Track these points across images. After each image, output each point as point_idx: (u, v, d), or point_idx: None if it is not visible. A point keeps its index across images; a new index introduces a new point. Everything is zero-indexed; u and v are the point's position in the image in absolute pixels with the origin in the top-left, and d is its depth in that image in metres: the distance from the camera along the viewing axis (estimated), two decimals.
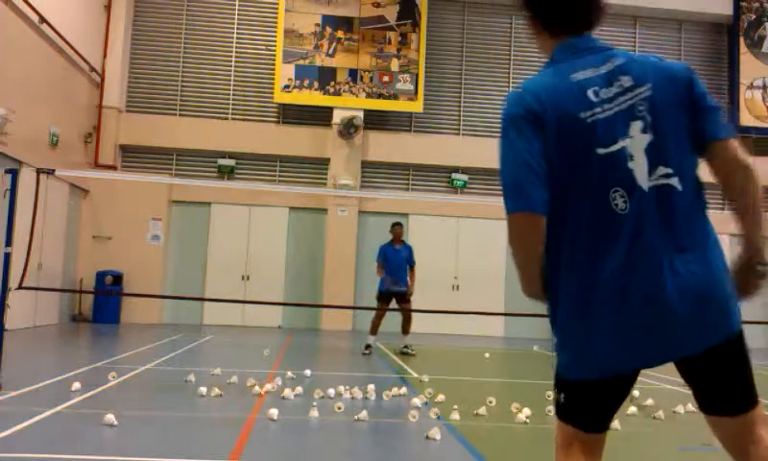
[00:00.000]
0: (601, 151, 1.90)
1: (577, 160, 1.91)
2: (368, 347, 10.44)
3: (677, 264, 1.87)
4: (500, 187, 1.97)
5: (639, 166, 1.90)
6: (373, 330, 10.57)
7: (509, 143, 1.94)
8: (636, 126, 1.92)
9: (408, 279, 10.67)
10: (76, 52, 13.89)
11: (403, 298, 10.62)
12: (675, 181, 1.91)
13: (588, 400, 1.98)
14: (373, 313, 10.81)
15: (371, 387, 6.51)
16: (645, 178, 1.90)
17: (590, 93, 1.93)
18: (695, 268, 1.88)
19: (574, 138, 1.90)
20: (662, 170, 1.91)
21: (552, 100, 1.93)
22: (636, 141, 1.91)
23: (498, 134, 1.99)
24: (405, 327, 10.69)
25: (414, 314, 10.63)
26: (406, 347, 10.60)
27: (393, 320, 11.20)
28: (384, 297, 10.61)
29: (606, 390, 1.97)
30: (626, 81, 1.95)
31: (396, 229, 10.92)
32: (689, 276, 1.87)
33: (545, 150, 1.90)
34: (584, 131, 1.90)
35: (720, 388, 1.96)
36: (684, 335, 1.88)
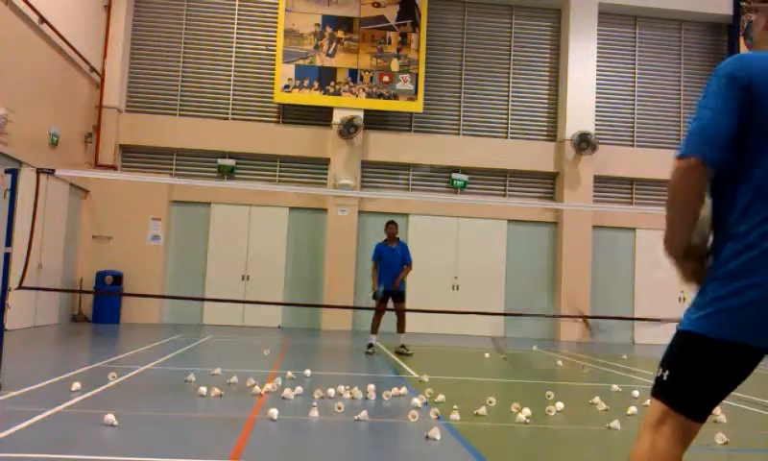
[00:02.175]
0: None
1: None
2: (370, 346, 10.46)
3: None
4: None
5: None
6: (374, 330, 10.60)
7: (716, 95, 2.03)
8: None
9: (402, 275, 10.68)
10: (76, 52, 13.90)
11: (399, 297, 10.64)
12: None
13: (706, 369, 1.95)
14: (373, 313, 10.82)
15: (371, 387, 6.51)
16: None
17: None
18: None
19: None
20: None
21: (764, 73, 2.03)
22: None
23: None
24: (400, 327, 10.71)
25: (414, 314, 10.65)
26: (403, 346, 10.61)
27: (392, 319, 11.19)
28: (382, 296, 10.62)
29: (735, 360, 1.94)
30: None
31: (390, 227, 10.88)
32: None
33: (746, 118, 1.99)
34: None
35: None
36: None
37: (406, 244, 11.11)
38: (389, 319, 11.14)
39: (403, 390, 6.61)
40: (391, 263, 10.63)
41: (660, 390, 2.02)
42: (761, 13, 2.29)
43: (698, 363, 1.95)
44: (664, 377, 2.01)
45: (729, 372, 1.96)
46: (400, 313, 10.68)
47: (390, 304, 10.68)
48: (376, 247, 10.90)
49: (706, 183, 1.99)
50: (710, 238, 2.09)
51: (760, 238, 1.93)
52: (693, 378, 1.96)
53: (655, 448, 1.99)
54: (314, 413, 5.35)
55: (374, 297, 10.69)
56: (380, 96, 16.41)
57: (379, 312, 10.62)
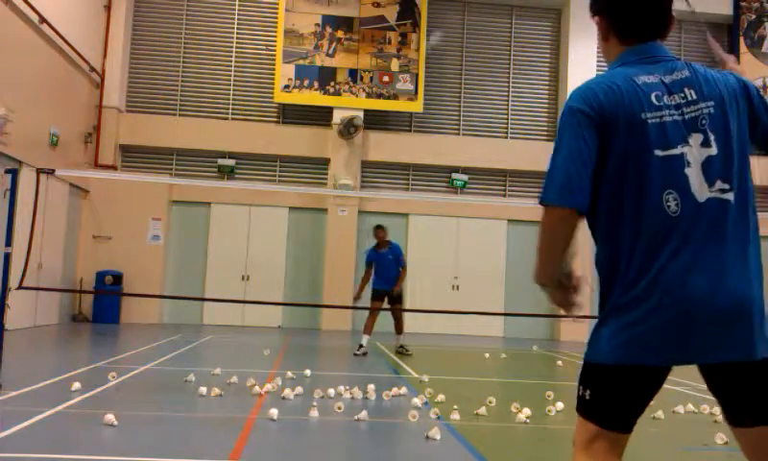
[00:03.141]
0: (658, 152, 1.95)
1: (634, 159, 1.95)
2: (360, 346, 10.31)
3: (724, 274, 1.92)
4: (544, 178, 2.02)
5: (696, 176, 1.94)
6: (367, 330, 10.49)
7: (566, 136, 1.99)
8: (697, 138, 1.97)
9: (398, 279, 10.58)
10: (76, 52, 13.89)
11: (395, 299, 10.56)
12: (731, 196, 1.96)
13: (621, 390, 1.99)
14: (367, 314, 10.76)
15: (371, 387, 6.51)
16: (702, 188, 1.94)
17: (653, 97, 1.98)
18: (736, 282, 1.93)
19: (632, 136, 1.95)
20: (720, 185, 1.95)
21: (614, 98, 1.98)
22: (695, 152, 1.96)
23: (550, 132, 2.12)
24: (398, 328, 10.67)
25: (414, 314, 10.63)
26: (402, 347, 10.59)
27: (389, 321, 11.19)
28: (376, 296, 10.57)
29: (644, 380, 1.98)
30: (690, 93, 2.01)
31: (379, 232, 10.68)
32: (731, 288, 1.92)
33: (600, 149, 1.97)
34: (642, 130, 1.95)
35: (744, 400, 2.00)
36: (714, 344, 1.92)
37: (399, 245, 10.93)
38: (386, 320, 11.14)
39: (403, 390, 6.61)
40: (385, 267, 10.51)
41: (584, 410, 2.05)
42: (598, 28, 2.23)
43: (614, 387, 1.99)
44: (587, 397, 2.04)
45: (642, 389, 2.01)
46: (397, 315, 10.62)
47: (386, 305, 10.63)
48: (368, 253, 10.77)
49: (577, 225, 2.01)
50: (574, 269, 2.16)
51: (644, 271, 1.95)
52: (614, 399, 2.00)
53: None
54: (314, 413, 5.35)
55: (371, 296, 10.63)
56: (380, 96, 16.41)
57: (373, 313, 10.53)
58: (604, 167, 1.98)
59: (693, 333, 1.91)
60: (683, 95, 2.00)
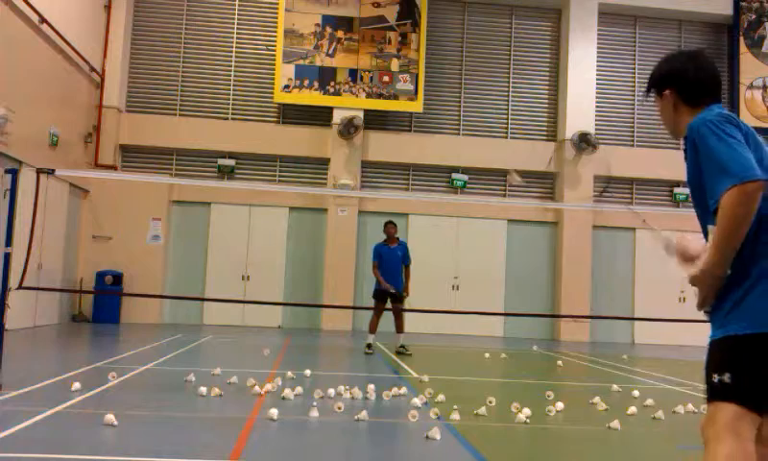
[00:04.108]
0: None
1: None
2: (369, 346, 10.45)
3: None
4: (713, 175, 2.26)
5: None
6: (372, 329, 10.57)
7: (726, 131, 2.29)
8: None
9: (403, 278, 10.66)
10: (76, 52, 13.89)
11: (397, 298, 10.59)
12: None
13: (760, 363, 2.12)
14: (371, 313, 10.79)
15: (371, 387, 6.51)
16: None
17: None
18: None
19: (755, 150, 2.33)
20: None
21: (736, 118, 2.41)
22: None
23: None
24: (399, 328, 10.70)
25: (414, 314, 10.64)
26: (402, 346, 10.60)
27: (390, 320, 11.20)
28: (379, 296, 10.60)
29: None
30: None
31: (389, 227, 10.77)
32: None
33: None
34: (758, 147, 2.38)
35: None
36: None
37: (406, 244, 11.02)
38: (386, 320, 11.15)
39: (403, 390, 6.61)
40: (390, 263, 10.57)
41: (727, 394, 2.16)
42: (664, 99, 2.66)
43: (756, 359, 2.14)
44: (726, 380, 2.16)
45: None
46: (398, 314, 10.67)
47: (388, 305, 10.67)
48: (375, 247, 10.82)
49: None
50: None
51: None
52: (757, 374, 2.14)
53: (739, 448, 2.11)
54: (314, 413, 5.35)
55: (374, 296, 10.65)
56: (380, 96, 16.41)
57: (378, 312, 10.58)
58: None
59: None
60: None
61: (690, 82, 2.59)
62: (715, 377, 2.18)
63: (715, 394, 2.18)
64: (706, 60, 2.63)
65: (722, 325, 2.22)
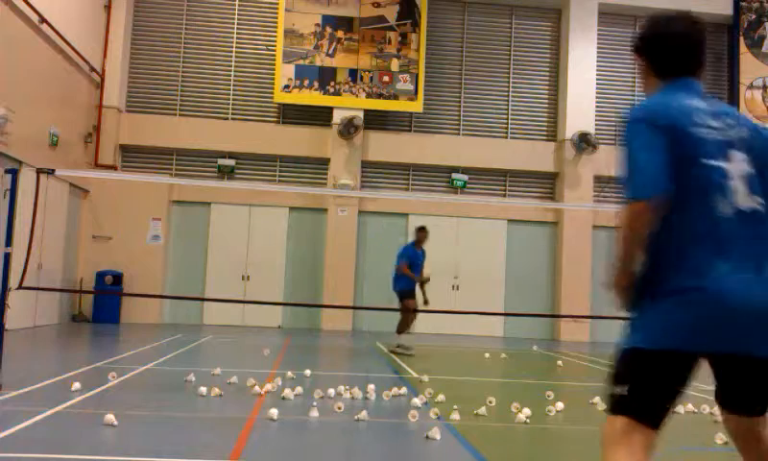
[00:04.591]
0: (705, 161, 2.19)
1: (687, 164, 2.18)
2: (399, 346, 10.54)
3: (761, 273, 2.14)
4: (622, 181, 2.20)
5: (737, 186, 2.19)
6: (405, 328, 10.69)
7: (639, 139, 2.19)
8: (737, 156, 2.23)
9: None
10: (76, 52, 13.89)
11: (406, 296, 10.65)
12: (764, 209, 2.23)
13: (656, 378, 2.12)
14: (405, 316, 10.71)
15: (371, 387, 6.51)
16: (743, 197, 2.19)
17: (699, 117, 2.24)
18: None
19: (684, 146, 2.18)
20: (756, 198, 2.22)
21: (668, 113, 2.23)
22: (736, 167, 2.21)
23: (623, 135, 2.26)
24: (400, 327, 10.70)
25: (414, 314, 10.63)
26: (399, 346, 10.61)
27: (393, 319, 11.21)
28: (411, 294, 10.64)
29: (678, 366, 2.12)
30: (729, 121, 2.28)
31: (422, 233, 10.91)
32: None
33: (666, 152, 2.18)
34: (692, 142, 2.19)
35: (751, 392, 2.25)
36: (747, 336, 2.10)
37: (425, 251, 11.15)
38: (387, 320, 11.16)
39: (403, 390, 6.61)
40: (418, 267, 10.75)
41: (620, 407, 2.16)
42: (639, 66, 2.51)
43: (652, 373, 2.13)
44: (624, 393, 2.15)
45: (678, 377, 2.15)
46: (404, 314, 10.68)
47: (395, 304, 10.75)
48: (406, 249, 10.91)
49: (661, 210, 2.15)
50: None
51: (696, 264, 2.14)
52: (651, 389, 2.13)
53: (633, 459, 2.10)
54: (314, 413, 5.35)
55: (409, 296, 10.66)
56: (380, 96, 16.41)
57: (412, 311, 10.58)
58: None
59: (737, 328, 2.09)
60: (723, 121, 2.26)
61: (659, 50, 2.39)
62: (616, 389, 2.18)
63: (614, 406, 2.17)
64: (684, 26, 2.37)
65: (627, 335, 2.21)
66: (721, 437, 5.00)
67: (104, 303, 14.71)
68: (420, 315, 11.05)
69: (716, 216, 2.15)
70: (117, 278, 14.70)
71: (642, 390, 2.12)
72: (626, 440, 2.10)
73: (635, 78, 17.57)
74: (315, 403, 5.64)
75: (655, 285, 2.18)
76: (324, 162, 16.46)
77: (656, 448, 2.14)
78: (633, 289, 2.24)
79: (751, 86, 17.37)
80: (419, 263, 10.76)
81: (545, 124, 17.34)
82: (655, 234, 2.18)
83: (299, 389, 6.30)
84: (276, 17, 16.53)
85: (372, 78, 16.39)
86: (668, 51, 2.37)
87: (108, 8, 15.67)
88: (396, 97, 16.45)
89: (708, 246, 2.13)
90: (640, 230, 2.13)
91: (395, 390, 6.49)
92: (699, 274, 2.10)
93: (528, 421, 5.50)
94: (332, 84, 16.28)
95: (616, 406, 2.16)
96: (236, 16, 16.74)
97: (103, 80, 15.54)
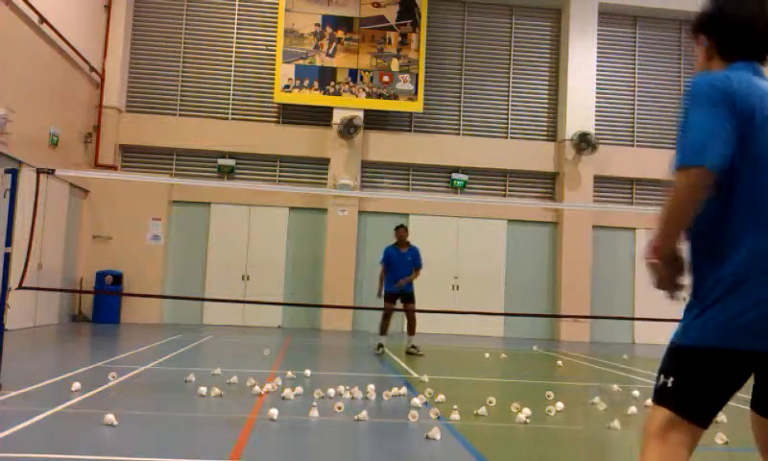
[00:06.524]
0: None
1: (753, 146, 2.07)
2: (380, 346, 10.46)
3: None
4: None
5: None
6: (383, 331, 10.57)
7: (705, 104, 2.07)
8: None
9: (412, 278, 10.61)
10: (76, 52, 13.89)
11: (408, 299, 10.57)
12: None
13: (711, 377, 2.02)
14: (381, 315, 10.75)
15: (371, 387, 6.51)
16: None
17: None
18: None
19: (755, 126, 2.07)
20: None
21: (744, 88, 2.10)
22: None
23: (683, 103, 2.14)
24: (411, 329, 10.67)
25: (387, 317, 10.62)
26: (413, 347, 10.57)
27: (397, 320, 11.20)
28: (389, 297, 10.58)
29: (734, 367, 2.02)
30: None
31: (400, 231, 10.72)
32: None
33: (732, 127, 2.06)
34: (762, 124, 2.08)
35: None
36: None
37: (418, 249, 10.85)
38: (394, 320, 11.13)
39: (403, 390, 6.61)
40: (399, 267, 10.51)
41: (665, 398, 2.07)
42: (700, 45, 2.34)
43: (703, 371, 2.02)
44: (669, 384, 2.06)
45: (731, 378, 2.04)
46: (410, 315, 10.60)
47: (399, 306, 10.66)
48: (385, 250, 10.76)
49: (709, 185, 2.03)
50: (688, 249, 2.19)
51: (759, 255, 2.02)
52: (700, 386, 2.03)
53: (666, 456, 2.04)
54: (314, 413, 5.35)
55: (384, 297, 10.62)
56: (380, 96, 16.41)
57: (388, 314, 10.54)
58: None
59: None
60: None
61: (729, 29, 2.23)
62: (661, 379, 2.09)
63: (657, 396, 2.10)
64: (757, 6, 2.21)
65: (683, 330, 2.10)
66: (721, 437, 5.00)
67: (104, 303, 14.70)
68: (420, 315, 11.03)
69: None
70: (117, 278, 14.70)
71: (692, 386, 2.03)
72: (662, 433, 2.04)
73: (634, 78, 17.57)
74: (315, 403, 5.64)
75: (709, 275, 2.07)
76: (324, 162, 16.46)
77: (697, 443, 2.06)
78: (673, 266, 2.13)
79: None
80: (404, 265, 10.49)
81: (545, 124, 17.34)
82: (709, 216, 2.08)
83: (299, 389, 6.30)
84: (276, 17, 16.53)
85: (372, 78, 16.39)
86: (738, 31, 2.21)
87: (108, 8, 15.67)
88: (395, 97, 16.45)
89: None
90: (690, 197, 2.01)
91: (395, 390, 6.49)
92: (760, 261, 1.99)
93: (528, 421, 5.50)
94: (332, 84, 16.28)
95: (659, 396, 2.09)
96: (236, 16, 16.74)
97: (103, 80, 15.54)
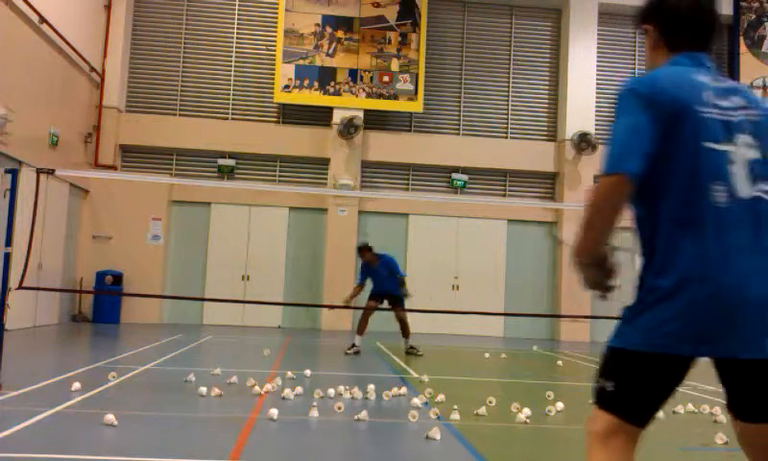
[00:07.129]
0: (706, 144, 2.02)
1: (684, 146, 2.02)
2: (353, 346, 10.32)
3: (759, 268, 1.97)
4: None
5: (740, 173, 2.03)
6: (360, 330, 10.46)
7: (626, 113, 2.05)
8: (743, 139, 2.06)
9: (399, 286, 10.47)
10: (76, 52, 13.89)
11: (396, 302, 10.42)
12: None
13: (645, 380, 2.02)
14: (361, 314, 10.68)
15: (371, 387, 6.51)
16: (745, 185, 2.02)
17: (706, 95, 2.07)
18: None
19: (685, 125, 2.03)
20: (763, 186, 2.05)
21: (671, 87, 2.06)
22: (741, 151, 2.05)
23: (614, 110, 2.11)
24: (404, 332, 10.57)
25: (414, 314, 10.57)
26: (412, 347, 10.51)
27: (392, 320, 11.18)
28: (374, 296, 10.57)
29: (667, 370, 2.02)
30: (738, 101, 2.11)
31: (363, 253, 10.57)
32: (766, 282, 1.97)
33: (655, 131, 2.01)
34: (695, 121, 2.03)
35: (758, 396, 2.06)
36: (746, 338, 1.96)
37: (393, 258, 10.75)
38: (388, 321, 11.12)
39: (403, 390, 6.61)
40: (381, 281, 10.50)
41: (606, 402, 2.07)
42: (647, 36, 2.33)
43: (642, 376, 2.02)
44: (609, 389, 2.06)
45: (669, 380, 2.05)
46: (399, 318, 10.50)
47: (386, 305, 10.60)
48: (362, 269, 10.79)
49: (629, 193, 2.02)
50: (616, 252, 2.17)
51: (692, 261, 1.99)
52: (640, 390, 2.04)
53: (612, 459, 2.04)
54: (314, 413, 5.35)
55: (369, 296, 10.61)
56: (380, 96, 16.41)
57: (366, 313, 10.46)
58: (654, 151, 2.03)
59: (732, 326, 1.95)
60: (731, 100, 2.10)
61: (672, 17, 2.21)
62: (601, 382, 2.09)
63: (598, 400, 2.09)
64: None
65: (620, 333, 2.07)
66: (721, 437, 4.99)
67: (104, 302, 14.71)
68: (420, 315, 11.01)
69: (713, 204, 1.97)
70: (117, 278, 14.69)
71: (631, 390, 2.03)
72: (603, 437, 2.04)
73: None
74: (315, 403, 5.64)
75: (645, 279, 2.05)
76: (324, 162, 16.46)
77: (637, 443, 2.08)
78: (599, 269, 2.12)
79: (751, 86, 17.35)
80: (381, 278, 10.42)
81: (545, 124, 17.34)
82: (643, 222, 2.08)
83: (298, 389, 6.30)
84: (276, 17, 16.53)
85: (372, 78, 16.39)
86: (681, 19, 2.19)
87: (107, 8, 15.67)
88: (395, 97, 16.45)
89: (701, 236, 1.96)
90: (608, 204, 2.00)
91: (395, 390, 6.49)
92: (693, 267, 1.96)
93: (528, 421, 5.50)
94: (332, 84, 16.28)
95: (600, 400, 2.08)
96: (236, 16, 16.75)
97: (103, 80, 15.54)
